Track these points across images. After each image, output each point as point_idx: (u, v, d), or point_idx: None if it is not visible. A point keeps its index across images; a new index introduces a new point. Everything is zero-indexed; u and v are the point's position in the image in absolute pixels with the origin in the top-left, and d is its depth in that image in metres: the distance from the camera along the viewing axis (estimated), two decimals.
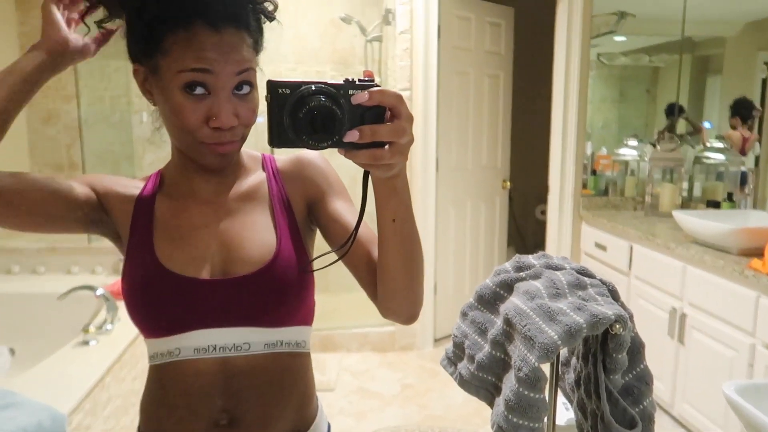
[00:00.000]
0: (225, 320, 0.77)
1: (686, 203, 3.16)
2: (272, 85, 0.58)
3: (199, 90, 0.71)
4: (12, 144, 3.55)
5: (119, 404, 2.24)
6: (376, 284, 0.76)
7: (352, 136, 0.57)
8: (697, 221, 2.44)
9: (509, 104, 3.78)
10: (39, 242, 3.13)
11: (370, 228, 0.77)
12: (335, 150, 0.59)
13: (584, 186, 3.50)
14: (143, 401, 0.85)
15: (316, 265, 0.78)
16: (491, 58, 3.61)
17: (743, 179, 2.79)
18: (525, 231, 4.84)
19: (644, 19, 3.51)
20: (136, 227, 0.81)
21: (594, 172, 3.57)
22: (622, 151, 3.57)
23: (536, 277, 0.72)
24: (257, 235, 0.80)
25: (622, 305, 0.68)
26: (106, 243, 2.70)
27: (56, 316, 2.64)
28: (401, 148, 0.58)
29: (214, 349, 0.76)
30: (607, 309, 0.64)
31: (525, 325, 0.65)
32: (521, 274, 0.74)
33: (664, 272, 2.54)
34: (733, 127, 2.98)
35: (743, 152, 2.89)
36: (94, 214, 0.82)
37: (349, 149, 0.58)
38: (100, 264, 3.09)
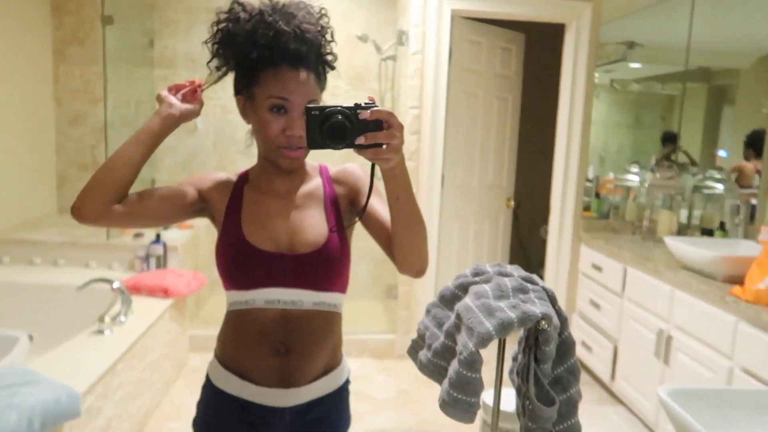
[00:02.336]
0: (287, 283, 1.08)
1: (683, 230, 3.24)
2: (308, 109, 0.87)
3: (280, 110, 1.03)
4: (40, 144, 3.75)
5: (129, 391, 2.37)
6: (392, 248, 1.06)
7: (360, 140, 0.85)
8: (685, 247, 2.53)
9: (516, 126, 3.91)
10: (60, 236, 3.30)
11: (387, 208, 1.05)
12: (351, 151, 0.87)
13: (587, 208, 3.60)
14: (221, 335, 1.16)
15: (346, 224, 1.14)
16: (501, 81, 3.74)
17: (738, 209, 2.88)
18: (529, 249, 4.94)
19: (654, 49, 3.61)
20: (229, 212, 1.12)
21: (598, 195, 3.67)
22: (626, 176, 3.67)
23: (487, 281, 0.84)
24: (314, 224, 1.11)
25: (558, 309, 0.81)
26: (123, 241, 2.98)
27: (74, 306, 2.78)
28: (394, 147, 0.87)
29: (278, 302, 1.08)
30: (536, 309, 0.76)
31: (469, 318, 0.77)
32: (476, 278, 0.87)
33: (654, 295, 2.63)
34: (747, 159, 3.06)
35: (750, 185, 2.94)
36: (199, 206, 1.13)
37: (359, 149, 0.86)
38: (116, 260, 3.25)
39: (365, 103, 0.86)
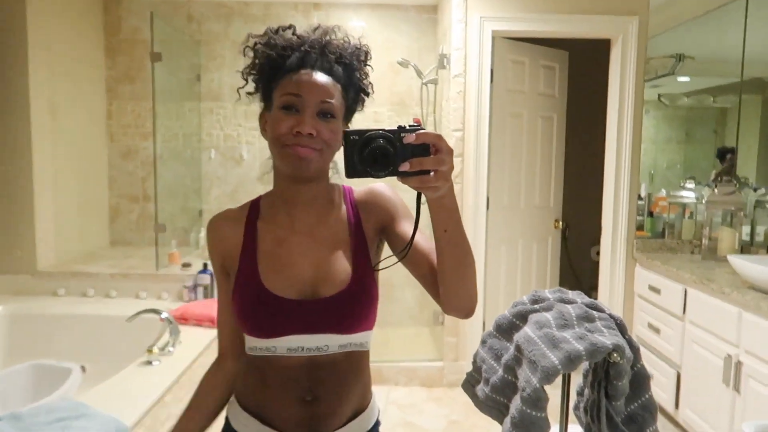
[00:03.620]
0: (311, 329, 0.98)
1: (746, 248, 3.06)
2: (346, 134, 0.79)
3: (292, 109, 0.94)
4: (93, 178, 3.87)
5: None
6: (437, 286, 0.95)
7: (404, 166, 0.77)
8: (753, 266, 2.38)
9: (562, 145, 3.81)
10: (112, 268, 3.37)
11: (430, 240, 0.95)
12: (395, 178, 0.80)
13: (640, 228, 3.46)
14: (242, 376, 1.08)
15: (382, 264, 1.00)
16: (545, 100, 3.67)
17: None
18: (580, 272, 4.77)
19: (705, 61, 3.48)
20: (245, 257, 1.02)
21: (651, 214, 3.52)
22: (680, 193, 3.52)
23: (548, 309, 0.78)
24: (339, 262, 1.01)
25: (629, 339, 0.74)
26: (172, 271, 2.99)
27: (124, 337, 2.82)
28: (443, 174, 0.78)
29: (302, 349, 0.98)
30: (606, 339, 0.69)
31: (531, 351, 0.71)
32: (536, 306, 0.80)
33: (720, 318, 2.47)
34: None
35: None
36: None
37: (403, 176, 0.78)
38: (166, 290, 3.29)
39: (410, 126, 0.79)
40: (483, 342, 0.87)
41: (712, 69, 3.54)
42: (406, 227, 1.02)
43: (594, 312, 0.76)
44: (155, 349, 2.42)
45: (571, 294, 0.82)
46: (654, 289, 3.03)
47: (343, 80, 1.00)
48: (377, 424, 1.13)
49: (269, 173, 1.07)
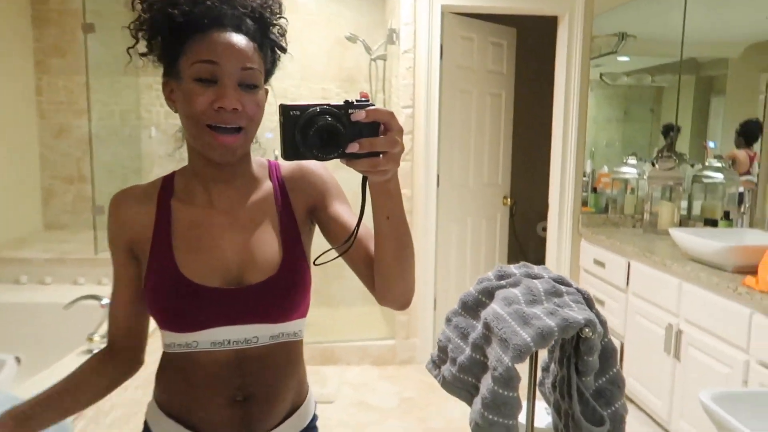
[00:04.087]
0: (238, 320, 0.88)
1: (685, 221, 3.19)
2: (284, 108, 0.68)
3: (208, 79, 0.81)
4: (23, 158, 3.63)
5: (122, 413, 2.27)
6: (373, 276, 0.86)
7: (353, 147, 0.67)
8: (693, 239, 2.47)
9: (510, 122, 3.84)
10: (47, 253, 3.19)
11: (367, 227, 0.86)
12: (337, 160, 0.70)
13: (585, 203, 3.54)
14: (160, 377, 0.96)
15: (321, 260, 0.87)
16: (493, 77, 3.68)
17: (741, 198, 2.83)
18: (527, 247, 4.87)
19: (646, 40, 3.57)
20: (157, 236, 0.90)
21: (595, 190, 3.61)
22: (623, 169, 3.62)
23: (515, 284, 0.76)
24: (266, 245, 0.90)
25: (596, 312, 0.73)
26: None
27: (62, 325, 2.68)
28: (394, 157, 0.69)
29: (228, 343, 0.88)
30: (578, 314, 0.68)
31: (501, 329, 0.69)
32: (502, 282, 0.78)
33: (661, 289, 2.57)
34: (738, 147, 3.02)
35: (749, 172, 2.91)
36: (136, 256, 0.93)
37: (351, 159, 0.68)
38: (106, 275, 3.14)
39: (357, 101, 0.69)
40: (448, 320, 0.85)
41: (651, 49, 3.63)
42: (339, 208, 0.93)
43: (562, 287, 0.74)
44: (96, 337, 2.32)
45: (537, 269, 0.81)
46: (599, 263, 3.12)
47: (258, 39, 0.87)
48: (314, 418, 1.05)
49: (182, 147, 0.94)
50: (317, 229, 0.98)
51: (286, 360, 0.93)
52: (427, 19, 3.19)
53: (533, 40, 4.04)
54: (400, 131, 0.70)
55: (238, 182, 0.92)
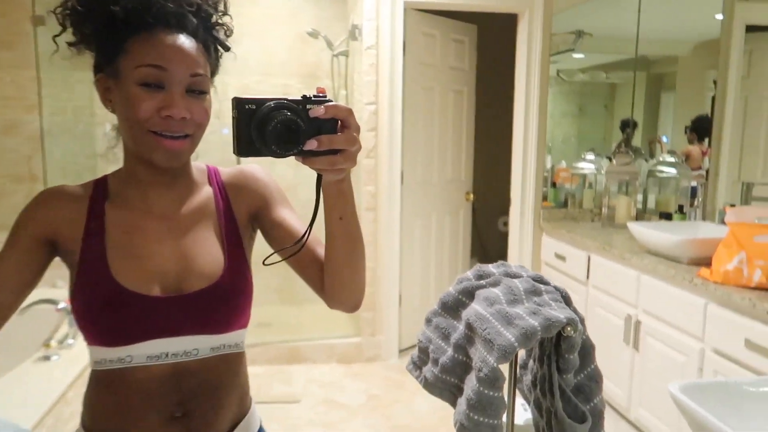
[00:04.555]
0: (177, 331, 0.83)
1: (641, 215, 3.29)
2: (238, 102, 0.64)
3: (154, 85, 0.77)
4: None
5: None
6: (321, 280, 0.85)
7: (312, 144, 0.65)
8: (650, 232, 2.55)
9: (472, 119, 3.88)
10: None
11: (313, 232, 0.84)
12: (282, 161, 0.67)
13: (545, 198, 3.61)
14: (88, 399, 0.88)
15: (270, 261, 0.83)
16: (455, 74, 3.70)
17: (693, 192, 2.93)
18: (488, 242, 4.94)
19: (601, 38, 3.66)
20: (88, 242, 0.84)
21: (554, 185, 3.68)
22: (581, 164, 3.70)
23: (495, 284, 0.77)
24: (207, 250, 0.86)
25: (574, 310, 0.74)
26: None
27: (15, 332, 2.57)
28: (352, 155, 0.68)
29: (166, 356, 0.82)
30: (559, 313, 0.69)
31: (485, 329, 0.70)
32: (482, 282, 0.79)
33: (620, 281, 2.64)
34: (691, 142, 3.13)
35: (701, 166, 3.02)
36: (50, 254, 0.86)
37: (308, 156, 0.66)
38: (60, 277, 3.03)
39: (314, 96, 0.66)
40: (428, 321, 0.85)
41: (606, 46, 3.72)
42: (284, 213, 0.91)
43: (541, 285, 0.76)
44: (53, 343, 2.24)
45: (515, 267, 0.82)
46: (560, 257, 3.18)
47: (203, 37, 0.83)
48: (260, 431, 1.00)
49: (117, 147, 0.90)
50: (259, 235, 0.96)
51: (227, 373, 0.89)
52: (389, 15, 3.19)
53: (494, 37, 4.09)
54: (358, 129, 0.69)
55: (177, 187, 0.88)
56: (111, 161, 0.93)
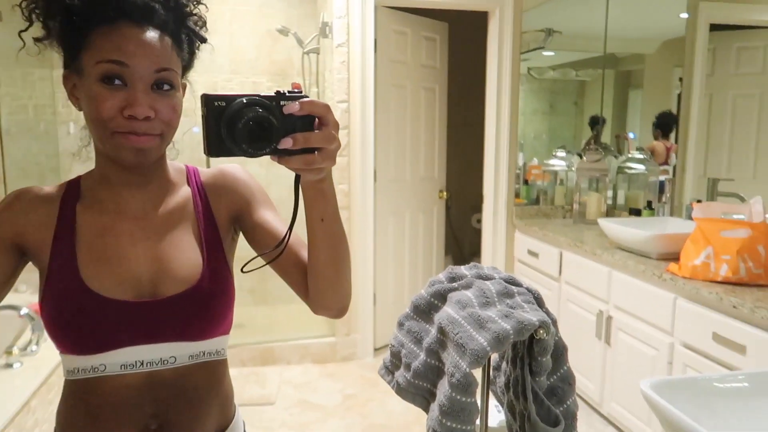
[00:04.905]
0: (152, 338, 0.79)
1: (611, 211, 3.33)
2: (207, 99, 0.61)
3: (116, 82, 0.72)
4: None
5: (46, 429, 2.13)
6: (306, 284, 0.82)
7: (287, 143, 0.62)
8: (620, 228, 2.58)
9: (445, 116, 3.88)
10: None
11: (296, 234, 0.82)
12: (254, 160, 0.64)
13: (517, 195, 3.63)
14: (60, 412, 0.85)
15: (249, 267, 0.79)
16: (427, 72, 3.70)
17: (661, 188, 2.98)
18: (462, 239, 4.96)
19: (570, 36, 3.69)
20: (58, 245, 0.80)
21: (526, 182, 3.71)
22: (552, 161, 3.73)
23: (468, 286, 0.76)
24: (184, 253, 0.82)
25: (547, 311, 0.73)
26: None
27: None
28: (330, 153, 0.65)
29: (141, 364, 0.78)
30: (532, 315, 0.68)
31: (457, 333, 0.68)
32: (454, 284, 0.77)
33: (592, 277, 2.67)
34: (656, 138, 3.18)
35: (667, 162, 3.07)
36: (20, 258, 0.81)
37: (283, 156, 0.63)
38: (23, 282, 2.93)
39: (289, 92, 0.63)
40: (400, 325, 0.83)
41: (575, 44, 3.76)
42: (266, 215, 0.87)
43: (513, 287, 0.74)
44: (15, 350, 2.17)
45: (487, 269, 0.81)
46: (533, 254, 3.21)
47: (174, 31, 0.77)
48: None
49: (88, 146, 0.85)
50: (241, 238, 0.92)
51: (207, 382, 0.84)
52: (360, 12, 3.16)
53: (465, 35, 4.10)
54: (336, 126, 0.66)
55: (151, 187, 0.84)
56: (84, 160, 0.89)
